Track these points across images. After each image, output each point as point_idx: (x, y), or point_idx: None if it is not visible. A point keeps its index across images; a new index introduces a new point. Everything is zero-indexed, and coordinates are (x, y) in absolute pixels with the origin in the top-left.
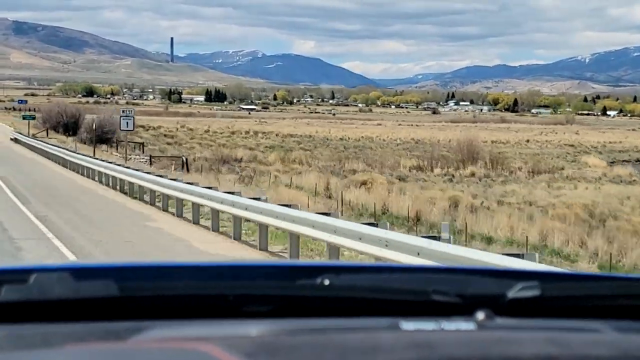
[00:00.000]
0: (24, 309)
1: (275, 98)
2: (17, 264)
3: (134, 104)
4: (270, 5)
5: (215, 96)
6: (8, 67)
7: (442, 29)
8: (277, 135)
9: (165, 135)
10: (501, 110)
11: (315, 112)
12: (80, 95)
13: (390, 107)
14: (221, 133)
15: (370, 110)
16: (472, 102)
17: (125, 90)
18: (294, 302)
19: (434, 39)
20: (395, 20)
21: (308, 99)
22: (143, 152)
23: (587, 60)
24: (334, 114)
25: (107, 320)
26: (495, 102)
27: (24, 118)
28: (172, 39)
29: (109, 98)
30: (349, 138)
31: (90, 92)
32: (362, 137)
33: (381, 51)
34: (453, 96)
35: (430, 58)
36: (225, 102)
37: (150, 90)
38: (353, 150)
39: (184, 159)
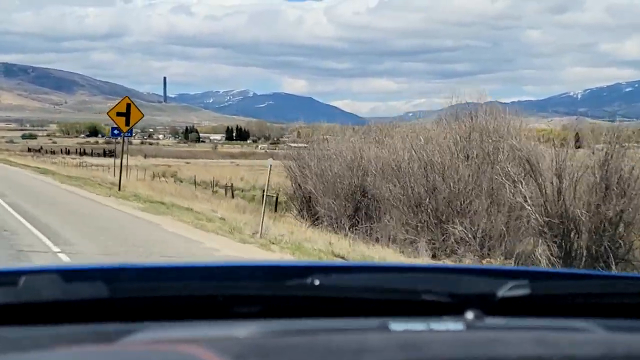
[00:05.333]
0: (13, 312)
1: (299, 135)
2: (8, 266)
3: (149, 143)
4: (260, 44)
5: (237, 135)
6: None
7: (432, 66)
8: None
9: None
10: None
11: None
12: (83, 135)
13: None
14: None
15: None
16: None
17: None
18: (283, 303)
19: (424, 76)
20: (386, 57)
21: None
22: None
23: (579, 96)
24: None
25: (97, 322)
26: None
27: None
28: (164, 79)
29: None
30: None
31: (94, 132)
32: None
33: (371, 89)
34: None
35: (420, 96)
36: (247, 141)
37: (152, 130)
38: None
39: None
